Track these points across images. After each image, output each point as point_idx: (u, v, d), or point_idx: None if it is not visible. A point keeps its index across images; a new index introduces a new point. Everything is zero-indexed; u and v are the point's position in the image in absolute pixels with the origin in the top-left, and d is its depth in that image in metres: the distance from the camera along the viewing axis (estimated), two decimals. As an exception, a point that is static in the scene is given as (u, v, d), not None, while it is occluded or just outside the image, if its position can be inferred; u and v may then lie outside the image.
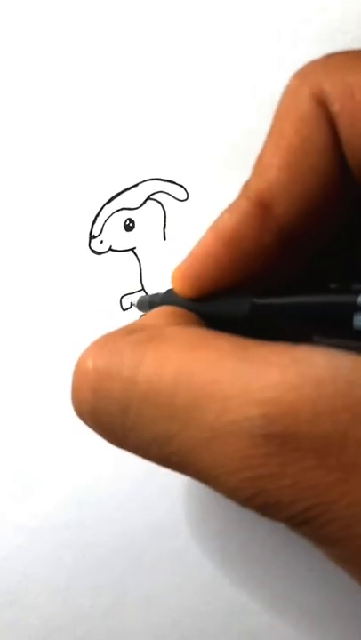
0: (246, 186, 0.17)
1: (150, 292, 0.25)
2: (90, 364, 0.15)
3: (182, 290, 0.18)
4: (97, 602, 0.26)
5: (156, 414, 0.14)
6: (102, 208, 0.25)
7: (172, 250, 0.25)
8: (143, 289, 0.25)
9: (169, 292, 0.21)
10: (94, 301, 0.25)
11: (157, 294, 0.22)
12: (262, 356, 0.13)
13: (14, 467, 0.26)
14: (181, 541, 0.25)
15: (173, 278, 0.18)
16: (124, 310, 0.25)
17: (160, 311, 0.18)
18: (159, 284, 0.25)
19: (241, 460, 0.12)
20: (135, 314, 0.25)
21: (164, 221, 0.25)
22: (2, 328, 0.25)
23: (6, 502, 0.26)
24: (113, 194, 0.25)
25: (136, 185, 0.25)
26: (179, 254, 0.25)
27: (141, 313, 0.24)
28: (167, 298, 0.21)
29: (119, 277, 0.25)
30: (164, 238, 0.25)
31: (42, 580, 0.26)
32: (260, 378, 0.12)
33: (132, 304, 0.25)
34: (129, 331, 0.16)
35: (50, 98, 0.25)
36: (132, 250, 0.25)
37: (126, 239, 0.25)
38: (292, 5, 0.23)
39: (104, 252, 0.25)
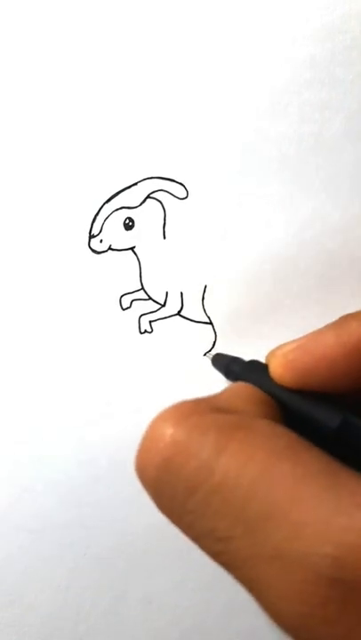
0: None
1: (150, 291, 0.25)
2: (168, 430, 0.14)
3: (282, 377, 0.17)
4: (97, 602, 0.26)
5: (222, 510, 0.13)
6: (102, 207, 0.25)
7: (171, 249, 0.25)
8: (143, 288, 0.25)
9: (252, 365, 0.20)
10: (94, 301, 0.25)
11: (237, 360, 0.22)
12: (351, 492, 0.12)
13: (14, 467, 0.26)
14: (181, 542, 0.25)
15: (276, 363, 0.17)
16: (123, 309, 0.25)
17: (244, 390, 0.17)
18: (159, 283, 0.25)
19: (300, 593, 0.11)
20: (135, 313, 0.25)
21: (164, 220, 0.25)
22: (1, 327, 0.25)
23: (6, 502, 0.26)
24: (112, 192, 0.25)
25: (136, 183, 0.25)
26: (179, 253, 0.25)
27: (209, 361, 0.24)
28: (248, 372, 0.20)
29: (119, 276, 0.25)
30: (164, 237, 0.25)
31: (42, 580, 0.25)
32: (342, 516, 0.11)
33: (131, 303, 0.25)
34: (214, 406, 0.15)
35: (50, 97, 0.25)
36: (132, 249, 0.25)
37: (126, 238, 0.25)
38: (292, 5, 0.23)
39: (103, 251, 0.25)
